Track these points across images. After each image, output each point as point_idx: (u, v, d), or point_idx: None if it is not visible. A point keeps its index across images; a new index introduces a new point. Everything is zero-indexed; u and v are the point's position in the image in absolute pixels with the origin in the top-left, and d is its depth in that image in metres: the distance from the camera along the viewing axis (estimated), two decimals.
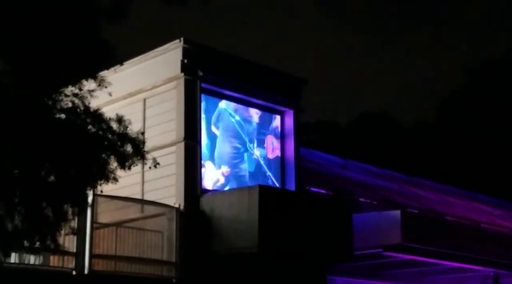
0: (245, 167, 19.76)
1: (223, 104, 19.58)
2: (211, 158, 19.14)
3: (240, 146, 19.82)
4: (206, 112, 19.17)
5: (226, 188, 19.11)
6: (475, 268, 23.45)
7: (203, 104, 18.93)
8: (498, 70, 50.04)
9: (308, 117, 49.44)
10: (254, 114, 20.08)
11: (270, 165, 20.24)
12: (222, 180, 19.21)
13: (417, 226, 21.04)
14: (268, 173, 20.11)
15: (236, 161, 19.66)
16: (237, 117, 19.79)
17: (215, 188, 18.88)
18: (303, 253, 18.69)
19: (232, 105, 19.70)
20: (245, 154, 19.89)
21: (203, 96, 19.02)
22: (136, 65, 19.57)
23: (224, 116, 19.58)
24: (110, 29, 11.23)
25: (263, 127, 20.32)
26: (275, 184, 20.08)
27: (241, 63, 20.31)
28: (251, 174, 19.79)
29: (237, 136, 19.77)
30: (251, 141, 20.06)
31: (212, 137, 19.32)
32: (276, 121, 20.53)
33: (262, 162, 20.09)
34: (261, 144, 20.16)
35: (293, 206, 18.42)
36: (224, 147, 19.44)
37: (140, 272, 16.78)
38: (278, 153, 20.32)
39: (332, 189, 22.67)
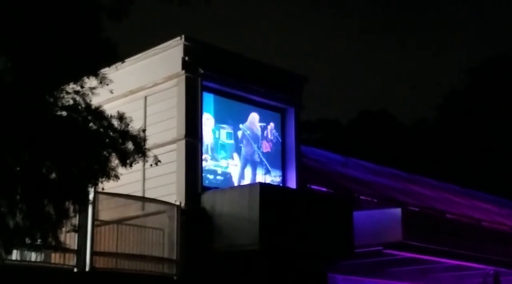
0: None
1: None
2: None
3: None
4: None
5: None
6: (475, 266, 23.46)
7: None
8: (499, 68, 50.03)
9: (309, 115, 49.59)
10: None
11: (264, 156, 20.79)
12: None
13: (417, 224, 21.04)
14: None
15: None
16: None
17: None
18: (304, 251, 18.71)
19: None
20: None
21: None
22: (137, 62, 19.57)
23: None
24: (111, 27, 11.24)
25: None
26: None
27: (242, 61, 20.31)
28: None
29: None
30: (256, 142, 20.64)
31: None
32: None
33: (262, 157, 20.68)
34: (260, 145, 20.81)
35: (294, 203, 18.45)
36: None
37: (141, 269, 16.80)
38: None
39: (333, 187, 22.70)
